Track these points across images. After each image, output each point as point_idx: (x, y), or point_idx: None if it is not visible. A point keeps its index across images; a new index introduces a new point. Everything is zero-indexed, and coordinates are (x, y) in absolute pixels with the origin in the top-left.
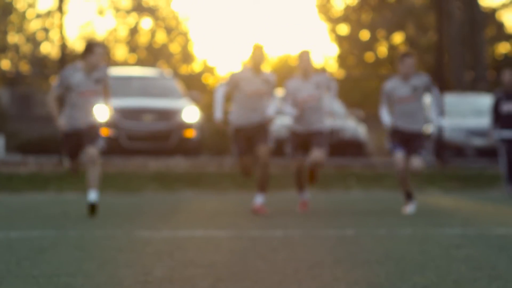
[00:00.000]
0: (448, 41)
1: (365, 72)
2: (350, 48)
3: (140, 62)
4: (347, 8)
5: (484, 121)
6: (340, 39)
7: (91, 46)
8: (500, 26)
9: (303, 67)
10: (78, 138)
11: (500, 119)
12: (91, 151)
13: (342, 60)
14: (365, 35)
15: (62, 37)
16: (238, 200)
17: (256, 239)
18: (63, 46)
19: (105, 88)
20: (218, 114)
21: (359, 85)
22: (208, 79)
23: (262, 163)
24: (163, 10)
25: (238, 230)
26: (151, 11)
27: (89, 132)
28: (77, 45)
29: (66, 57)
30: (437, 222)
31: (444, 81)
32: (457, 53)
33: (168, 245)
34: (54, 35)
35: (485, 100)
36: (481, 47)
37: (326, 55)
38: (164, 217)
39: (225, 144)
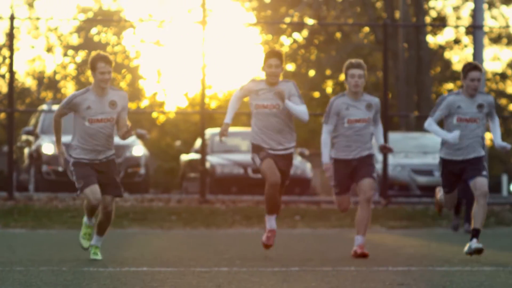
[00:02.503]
0: (394, 79)
1: (312, 110)
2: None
3: None
4: (294, 46)
5: (429, 160)
6: (286, 77)
7: (94, 61)
8: (446, 64)
9: None
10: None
11: None
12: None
13: None
14: (312, 73)
15: (11, 72)
16: (184, 237)
17: (202, 275)
18: (11, 81)
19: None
20: None
21: (307, 123)
22: (156, 115)
23: None
24: (112, 46)
25: (184, 266)
26: (100, 48)
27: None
28: (26, 80)
29: (14, 92)
30: (381, 260)
31: (388, 119)
32: (403, 91)
33: (113, 281)
34: (2, 70)
35: (430, 139)
36: (428, 86)
37: None
38: (110, 253)
39: (172, 181)
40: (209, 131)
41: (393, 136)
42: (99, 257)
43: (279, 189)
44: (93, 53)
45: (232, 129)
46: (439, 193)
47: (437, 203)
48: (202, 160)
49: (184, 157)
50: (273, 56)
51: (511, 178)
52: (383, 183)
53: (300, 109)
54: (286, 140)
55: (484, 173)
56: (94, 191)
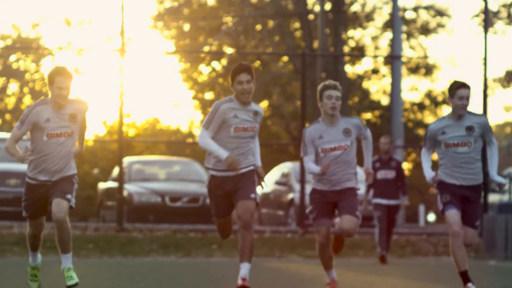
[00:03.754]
0: (312, 109)
1: None
2: None
3: (7, 126)
4: (213, 74)
5: None
6: (205, 105)
7: (52, 74)
8: (365, 94)
9: None
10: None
11: (375, 186)
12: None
13: None
14: None
15: None
16: (101, 265)
17: None
18: None
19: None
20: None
21: None
22: None
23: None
24: (31, 74)
25: None
26: (19, 75)
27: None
28: None
29: None
30: None
31: None
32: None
33: None
34: None
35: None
36: (346, 115)
37: (191, 120)
38: (23, 282)
39: (90, 209)
40: (127, 159)
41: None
42: (74, 280)
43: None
44: (53, 67)
45: (150, 157)
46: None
47: None
48: (120, 189)
49: (102, 185)
50: (242, 71)
51: (428, 209)
52: (300, 212)
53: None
54: (246, 160)
55: (477, 223)
56: (38, 223)
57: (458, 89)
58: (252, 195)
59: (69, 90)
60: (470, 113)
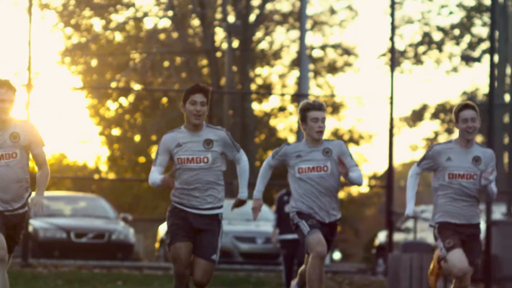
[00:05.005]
0: None
1: (137, 175)
2: (122, 151)
3: None
4: (120, 110)
5: (252, 227)
6: (111, 141)
7: None
8: (271, 131)
9: None
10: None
11: (283, 221)
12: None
13: (113, 162)
14: (137, 138)
15: None
16: None
17: None
18: None
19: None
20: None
21: (131, 188)
22: None
23: None
24: None
25: None
26: None
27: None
28: None
29: None
30: None
31: None
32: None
33: None
34: None
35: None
36: (252, 153)
37: (97, 156)
38: None
39: None
40: (32, 195)
41: None
42: None
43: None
44: None
45: (55, 193)
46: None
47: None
48: (25, 224)
49: None
50: (197, 91)
51: (334, 246)
52: None
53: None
54: (214, 197)
55: (477, 261)
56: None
57: (460, 111)
58: (214, 256)
59: (12, 104)
60: (477, 143)
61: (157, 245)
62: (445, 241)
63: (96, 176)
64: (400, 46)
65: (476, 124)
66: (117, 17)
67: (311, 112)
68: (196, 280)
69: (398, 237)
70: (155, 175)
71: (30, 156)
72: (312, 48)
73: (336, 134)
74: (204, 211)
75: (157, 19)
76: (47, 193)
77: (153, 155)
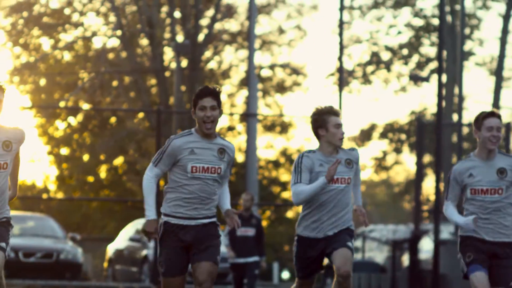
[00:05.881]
0: None
1: (85, 194)
2: (71, 170)
3: None
4: (69, 130)
5: None
6: (60, 160)
7: None
8: None
9: None
10: None
11: (234, 244)
12: None
13: (61, 181)
14: (86, 157)
15: None
16: None
17: None
18: None
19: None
20: None
21: (79, 207)
22: None
23: None
24: None
25: None
26: None
27: None
28: None
29: None
30: None
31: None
32: None
33: None
34: None
35: None
36: None
37: (46, 175)
38: None
39: None
40: None
41: None
42: None
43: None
44: None
45: None
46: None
47: None
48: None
49: None
50: (207, 95)
51: (282, 266)
52: (154, 268)
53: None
54: (213, 209)
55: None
56: None
57: (485, 119)
58: (218, 258)
59: (1, 105)
60: (500, 152)
61: (105, 264)
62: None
63: (44, 196)
64: (348, 65)
65: (500, 134)
66: (66, 37)
67: (332, 117)
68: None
69: None
70: (153, 185)
71: None
72: (260, 68)
73: (284, 153)
74: (202, 220)
75: (106, 39)
76: None
77: (101, 174)
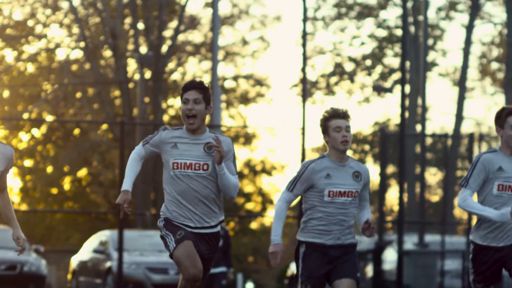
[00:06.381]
0: None
1: (49, 206)
2: (34, 182)
3: None
4: (32, 142)
5: (164, 258)
6: (24, 172)
7: None
8: None
9: None
10: None
11: None
12: None
13: (25, 193)
14: (50, 169)
15: None
16: None
17: None
18: None
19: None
20: None
21: (43, 219)
22: None
23: None
24: None
25: None
26: None
27: None
28: None
29: None
30: None
31: (124, 217)
32: (139, 190)
33: None
34: None
35: None
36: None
37: (10, 187)
38: None
39: None
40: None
41: (128, 234)
42: None
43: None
44: None
45: None
46: None
47: None
48: None
49: None
50: (190, 88)
51: (247, 277)
52: (118, 280)
53: (234, 181)
54: (213, 214)
55: None
56: None
57: (508, 116)
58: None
59: None
60: None
61: (69, 276)
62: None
63: None
64: (312, 76)
65: None
66: (29, 48)
67: (333, 121)
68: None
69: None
70: (133, 162)
71: None
72: (224, 79)
73: (248, 164)
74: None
75: (69, 50)
76: None
77: (65, 186)
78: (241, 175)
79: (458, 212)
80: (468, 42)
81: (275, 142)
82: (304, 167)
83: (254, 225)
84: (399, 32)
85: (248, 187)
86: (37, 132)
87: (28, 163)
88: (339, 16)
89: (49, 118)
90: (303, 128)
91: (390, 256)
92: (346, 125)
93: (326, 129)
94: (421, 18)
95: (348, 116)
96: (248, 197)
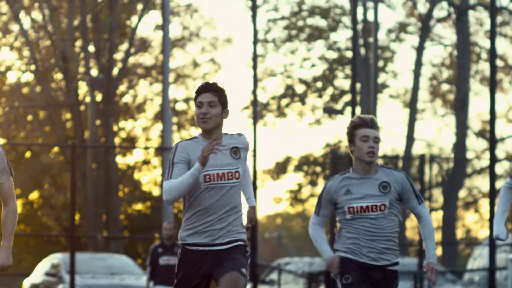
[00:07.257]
0: (82, 200)
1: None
2: None
3: None
4: None
5: (116, 280)
6: None
7: None
8: (135, 185)
9: None
10: None
11: (157, 272)
12: None
13: None
14: None
15: None
16: None
17: None
18: None
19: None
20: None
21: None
22: None
23: None
24: None
25: None
26: None
27: None
28: None
29: None
30: None
31: (76, 240)
32: (91, 212)
33: None
34: None
35: (118, 260)
36: (116, 206)
37: None
38: None
39: None
40: None
41: (80, 256)
42: None
43: None
44: None
45: None
46: None
47: None
48: None
49: None
50: (204, 90)
51: None
52: None
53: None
54: (237, 227)
55: None
56: None
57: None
58: (243, 270)
59: None
60: None
61: None
62: None
63: None
64: (263, 98)
65: None
66: None
67: (360, 129)
68: None
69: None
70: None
71: None
72: (175, 101)
73: None
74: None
75: (20, 73)
76: None
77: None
78: None
79: (409, 234)
80: (418, 63)
81: None
82: (323, 187)
83: None
84: (349, 54)
85: None
86: None
87: None
88: (289, 38)
89: (0, 141)
90: (255, 150)
91: None
92: (374, 136)
93: (352, 138)
94: (371, 40)
95: (377, 126)
96: None
